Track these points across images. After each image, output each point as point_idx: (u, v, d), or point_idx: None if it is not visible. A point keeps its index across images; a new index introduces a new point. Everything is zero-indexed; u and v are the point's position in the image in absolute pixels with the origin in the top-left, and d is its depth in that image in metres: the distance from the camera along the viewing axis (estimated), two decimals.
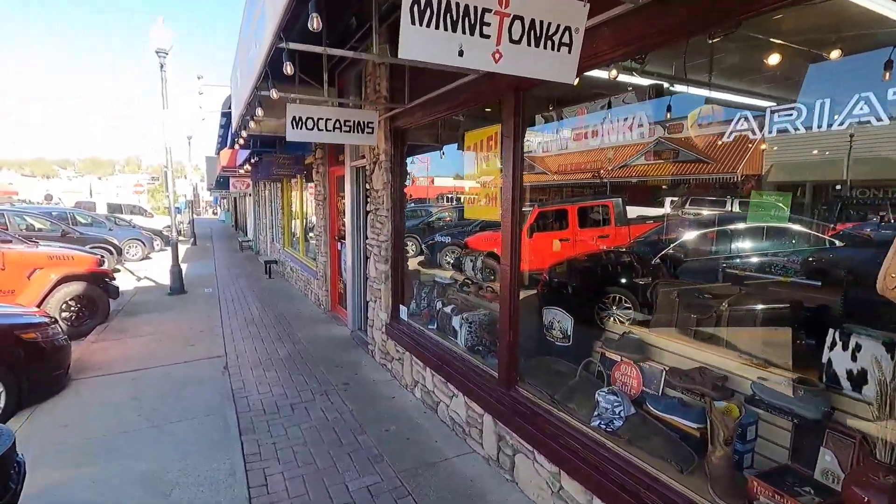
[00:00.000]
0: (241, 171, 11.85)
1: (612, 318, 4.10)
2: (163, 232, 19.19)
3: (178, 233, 25.66)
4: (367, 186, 5.36)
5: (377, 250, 5.17)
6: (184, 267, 13.92)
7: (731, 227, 4.65)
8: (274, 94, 3.07)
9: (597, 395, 2.63)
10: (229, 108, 15.23)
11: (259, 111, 3.48)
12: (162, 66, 9.34)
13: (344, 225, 7.23)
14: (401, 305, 4.96)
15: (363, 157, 5.87)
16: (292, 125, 3.68)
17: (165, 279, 10.12)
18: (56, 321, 4.79)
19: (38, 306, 6.73)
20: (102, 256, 10.36)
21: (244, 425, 3.93)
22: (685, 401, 2.43)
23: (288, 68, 2.78)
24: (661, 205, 6.48)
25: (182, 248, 19.68)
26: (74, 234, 12.19)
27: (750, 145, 3.57)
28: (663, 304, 2.95)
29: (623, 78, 2.67)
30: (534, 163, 4.44)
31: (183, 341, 6.29)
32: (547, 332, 3.32)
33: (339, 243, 7.51)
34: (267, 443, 3.66)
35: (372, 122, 4.20)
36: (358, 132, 4.09)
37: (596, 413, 2.61)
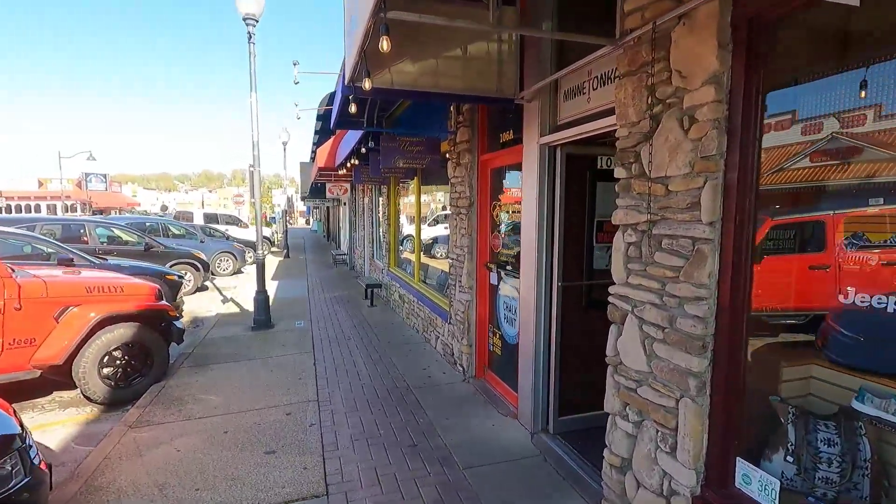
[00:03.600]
0: (341, 173, 9.65)
1: None
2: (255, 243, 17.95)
3: (271, 242, 24.71)
4: (627, 173, 2.48)
5: (661, 316, 2.26)
6: (273, 286, 12.12)
7: None
8: None
9: None
10: (328, 105, 13.25)
11: None
12: (250, 37, 7.26)
13: (505, 246, 4.44)
14: (738, 459, 2.00)
15: (596, 109, 3.04)
16: None
17: (252, 304, 8.03)
18: (15, 442, 2.41)
19: (71, 361, 4.66)
20: (179, 276, 8.56)
21: None
22: None
23: None
24: None
25: (274, 261, 18.36)
26: (159, 249, 10.71)
27: None
28: None
29: None
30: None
31: (259, 438, 3.82)
32: None
33: (493, 274, 4.74)
34: None
35: None
36: None
37: None
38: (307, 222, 65.24)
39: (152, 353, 5.14)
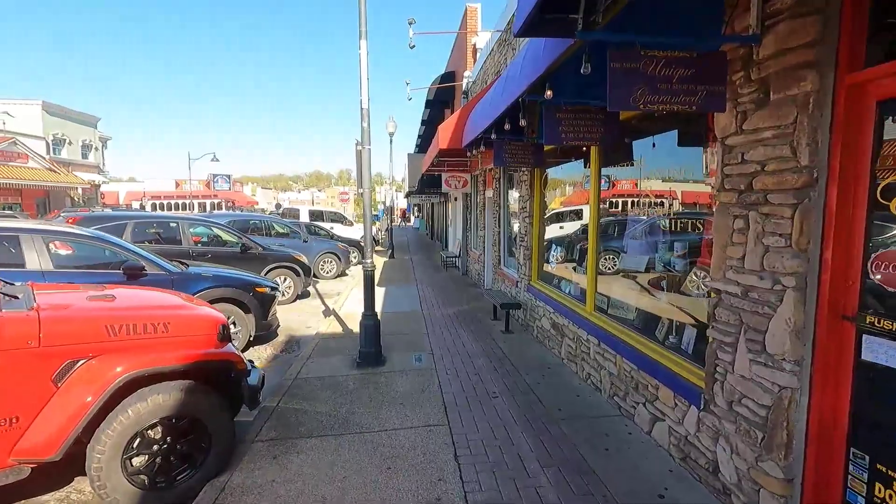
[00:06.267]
0: (472, 154, 7.41)
1: None
2: (360, 243, 16.57)
3: (375, 241, 23.61)
4: None
5: None
6: (380, 294, 10.23)
7: None
8: None
9: None
10: (441, 83, 11.13)
11: None
12: None
13: None
14: None
15: None
16: None
17: (356, 318, 6.08)
18: None
19: (84, 445, 2.83)
20: (273, 287, 6.84)
21: None
22: None
23: None
24: None
25: (379, 262, 16.69)
26: (257, 251, 9.32)
27: None
28: None
29: None
30: None
31: None
32: None
33: (877, 341, 2.06)
34: None
35: None
36: None
37: None
38: (407, 220, 65.21)
39: (209, 430, 3.20)
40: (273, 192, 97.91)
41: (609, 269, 5.03)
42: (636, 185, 4.50)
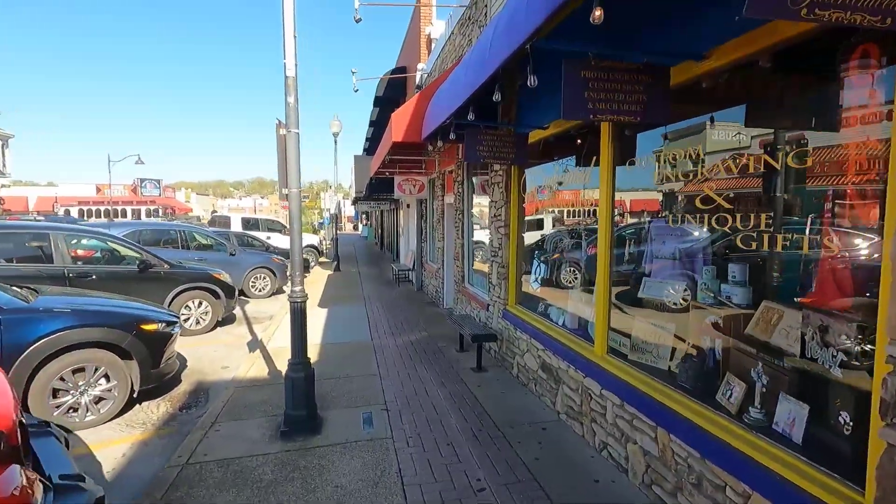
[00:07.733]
0: (433, 148, 5.99)
1: None
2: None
3: (319, 252, 21.38)
4: None
5: None
6: (320, 318, 8.50)
7: None
8: None
9: None
10: (393, 74, 9.73)
11: None
12: None
13: None
14: None
15: None
16: None
17: (289, 352, 4.38)
18: None
19: None
20: (170, 321, 5.06)
21: None
22: None
23: None
24: None
25: (323, 275, 14.93)
26: (162, 269, 7.39)
27: None
28: None
29: None
30: None
31: None
32: None
33: None
34: None
35: None
36: None
37: None
38: (355, 228, 62.69)
39: None
40: (211, 199, 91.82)
41: (625, 296, 3.75)
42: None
